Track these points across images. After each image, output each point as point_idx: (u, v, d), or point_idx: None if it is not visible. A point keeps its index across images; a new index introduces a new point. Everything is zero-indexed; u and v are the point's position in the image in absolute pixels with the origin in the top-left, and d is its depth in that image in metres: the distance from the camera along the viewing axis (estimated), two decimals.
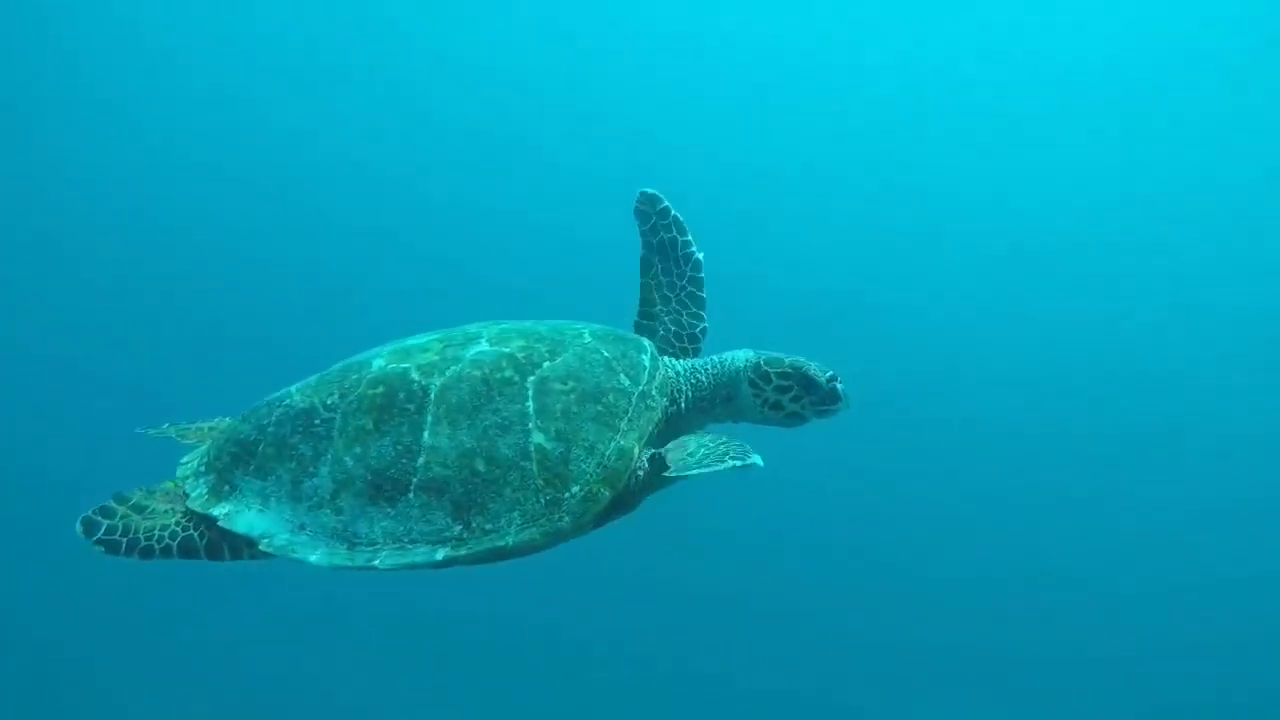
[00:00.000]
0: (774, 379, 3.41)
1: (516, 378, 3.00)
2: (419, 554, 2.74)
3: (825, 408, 3.43)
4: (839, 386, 3.41)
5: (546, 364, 3.06)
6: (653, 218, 3.76)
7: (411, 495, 2.80)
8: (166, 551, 2.87)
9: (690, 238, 3.76)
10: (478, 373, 3.00)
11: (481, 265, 14.36)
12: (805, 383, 3.40)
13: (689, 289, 3.75)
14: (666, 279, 3.76)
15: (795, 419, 3.47)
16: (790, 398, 3.42)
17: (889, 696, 8.30)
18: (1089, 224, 16.10)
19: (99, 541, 2.84)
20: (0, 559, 7.51)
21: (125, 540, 2.85)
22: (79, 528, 2.86)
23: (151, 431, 3.55)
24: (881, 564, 9.40)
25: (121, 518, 2.91)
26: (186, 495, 3.01)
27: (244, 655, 7.31)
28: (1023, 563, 9.84)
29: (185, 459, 3.23)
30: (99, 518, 2.89)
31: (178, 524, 2.93)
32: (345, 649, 7.60)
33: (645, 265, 3.79)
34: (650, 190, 3.77)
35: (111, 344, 11.08)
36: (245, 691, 7.25)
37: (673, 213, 3.76)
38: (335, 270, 13.94)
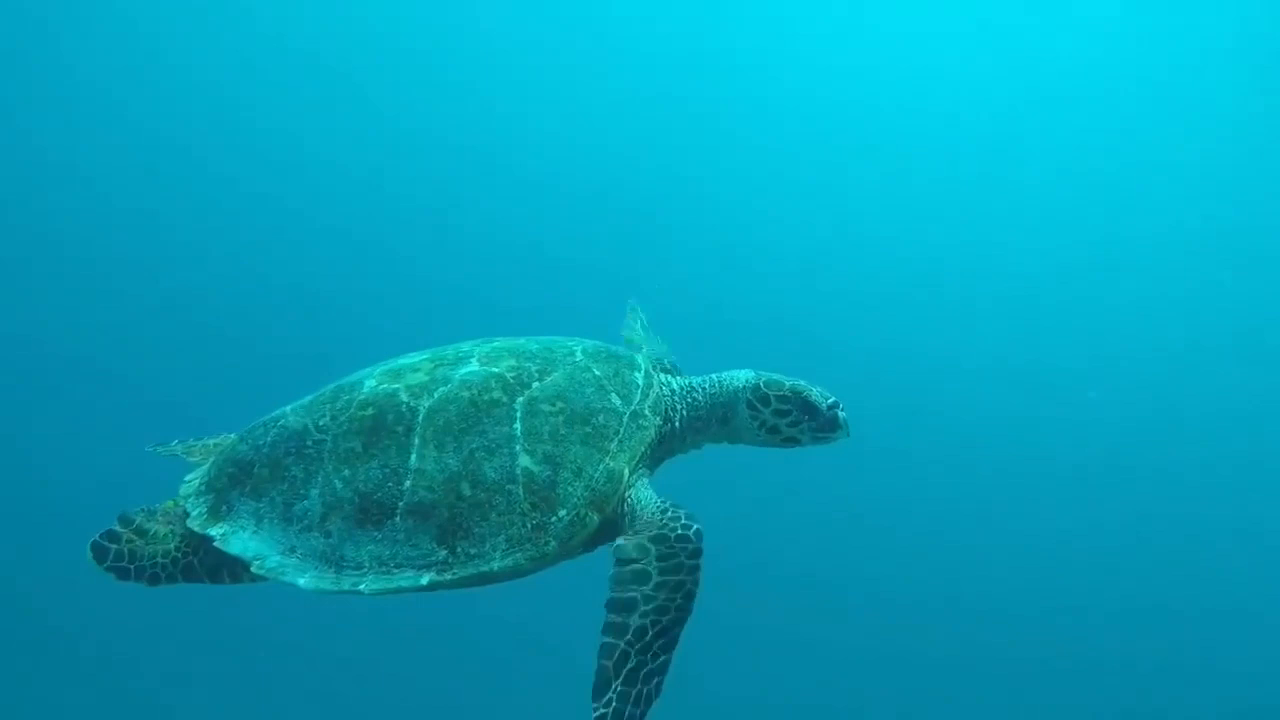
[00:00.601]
0: (773, 402, 3.27)
1: (505, 399, 2.96)
2: (404, 579, 2.72)
3: (823, 435, 3.29)
4: (840, 414, 3.26)
5: (536, 384, 3.02)
6: (638, 321, 3.92)
7: (398, 519, 2.78)
8: (172, 578, 2.95)
9: (668, 351, 3.77)
10: (466, 394, 2.97)
11: (487, 273, 14.52)
12: (805, 408, 3.26)
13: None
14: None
15: (791, 444, 3.34)
16: (788, 422, 3.28)
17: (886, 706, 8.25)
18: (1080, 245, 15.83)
19: (109, 568, 2.91)
20: (13, 561, 7.80)
21: (133, 567, 2.92)
22: (89, 554, 2.92)
23: (160, 449, 3.62)
24: (877, 577, 9.35)
25: (127, 542, 2.96)
26: (187, 514, 3.05)
27: (244, 655, 7.45)
28: (1017, 578, 9.72)
29: (188, 477, 3.27)
30: (106, 543, 2.94)
31: (177, 548, 2.98)
32: (344, 650, 7.70)
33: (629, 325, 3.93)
34: (638, 306, 3.96)
35: (122, 354, 11.39)
36: (245, 691, 7.40)
37: (646, 332, 3.85)
38: (347, 279, 14.15)
